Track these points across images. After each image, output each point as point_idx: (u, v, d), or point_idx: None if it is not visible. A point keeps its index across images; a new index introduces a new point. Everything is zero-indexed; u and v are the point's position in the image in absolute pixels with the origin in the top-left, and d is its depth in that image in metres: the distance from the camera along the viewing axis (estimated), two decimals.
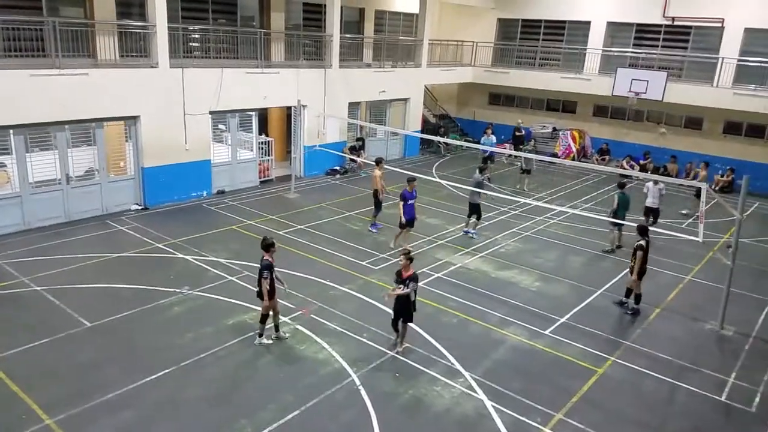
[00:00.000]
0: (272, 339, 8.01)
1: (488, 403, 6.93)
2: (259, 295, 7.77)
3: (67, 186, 12.06)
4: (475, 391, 7.14)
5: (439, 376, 7.41)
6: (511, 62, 22.72)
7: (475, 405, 6.91)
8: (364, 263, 10.84)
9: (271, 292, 7.66)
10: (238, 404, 6.71)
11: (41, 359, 7.33)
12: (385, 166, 13.22)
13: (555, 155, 20.25)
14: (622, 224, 11.55)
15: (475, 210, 12.51)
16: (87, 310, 8.50)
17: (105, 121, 12.40)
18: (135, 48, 13.16)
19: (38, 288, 9.12)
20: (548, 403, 7.00)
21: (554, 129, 22.07)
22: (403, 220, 11.33)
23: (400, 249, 11.22)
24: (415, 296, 7.68)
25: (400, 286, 7.60)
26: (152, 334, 8.07)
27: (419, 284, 8.08)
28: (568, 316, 9.30)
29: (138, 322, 8.36)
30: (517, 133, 21.26)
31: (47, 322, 8.14)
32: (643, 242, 9.34)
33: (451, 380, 7.35)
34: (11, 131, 11.06)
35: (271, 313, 7.89)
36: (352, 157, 17.52)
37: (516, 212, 14.64)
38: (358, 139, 18.52)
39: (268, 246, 7.67)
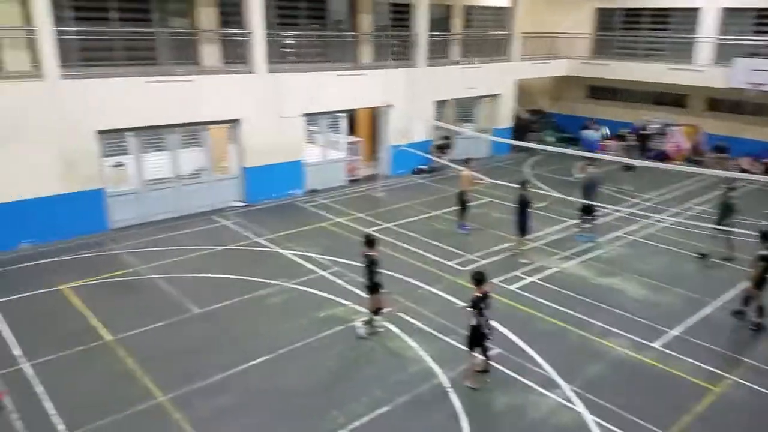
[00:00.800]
0: (366, 333, 8.14)
1: (588, 417, 6.49)
2: (373, 289, 7.95)
3: (178, 184, 13.15)
4: (573, 403, 6.73)
5: (533, 385, 7.07)
6: (611, 53, 21.27)
7: (573, 417, 6.51)
8: (450, 263, 10.66)
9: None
10: (330, 395, 6.87)
11: (156, 341, 8.01)
12: (473, 165, 12.92)
13: (664, 153, 18.66)
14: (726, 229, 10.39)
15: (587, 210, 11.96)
16: (195, 297, 9.18)
17: (210, 125, 13.36)
18: (235, 54, 14.00)
19: (153, 276, 10.00)
20: (656, 420, 6.42)
21: (664, 125, 20.34)
22: (532, 225, 11.19)
23: (521, 256, 10.95)
24: (477, 321, 6.73)
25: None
26: (252, 322, 8.53)
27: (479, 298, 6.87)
28: (679, 328, 8.47)
29: (239, 310, 8.88)
30: (642, 132, 19.84)
31: (161, 307, 8.89)
32: (766, 251, 8.27)
33: (546, 390, 6.98)
34: (130, 134, 12.23)
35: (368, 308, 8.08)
36: (438, 155, 17.36)
37: (620, 214, 13.62)
38: (444, 138, 18.33)
39: (372, 242, 7.94)
